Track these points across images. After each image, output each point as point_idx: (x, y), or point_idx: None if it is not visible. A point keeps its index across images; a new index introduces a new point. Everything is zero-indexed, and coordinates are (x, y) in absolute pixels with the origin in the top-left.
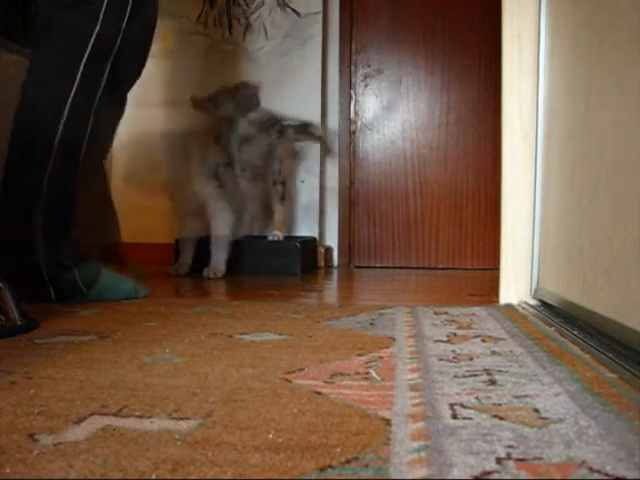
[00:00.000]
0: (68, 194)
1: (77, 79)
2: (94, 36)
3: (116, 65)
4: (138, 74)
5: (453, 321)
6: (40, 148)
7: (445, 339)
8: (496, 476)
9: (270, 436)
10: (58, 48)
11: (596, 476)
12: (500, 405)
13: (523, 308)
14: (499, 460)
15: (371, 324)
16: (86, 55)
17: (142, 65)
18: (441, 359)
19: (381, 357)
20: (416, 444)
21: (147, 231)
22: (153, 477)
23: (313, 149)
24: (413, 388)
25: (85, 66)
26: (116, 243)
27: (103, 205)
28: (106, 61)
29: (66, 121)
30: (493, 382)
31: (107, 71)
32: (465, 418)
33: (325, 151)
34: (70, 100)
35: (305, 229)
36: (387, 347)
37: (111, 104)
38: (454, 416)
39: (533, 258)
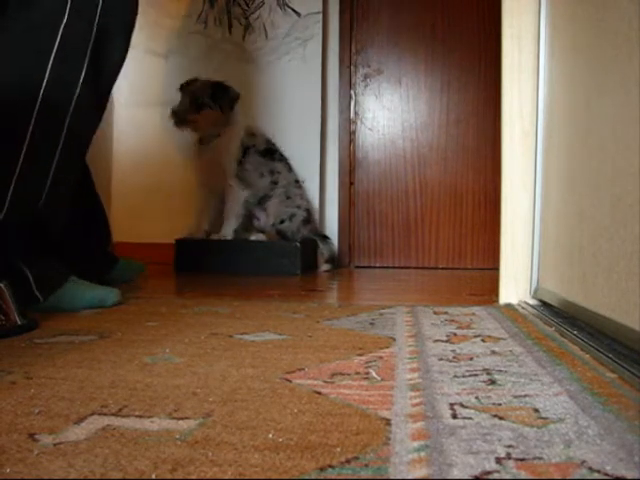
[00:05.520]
0: (35, 193)
1: (48, 70)
2: (61, 29)
3: (97, 58)
4: (119, 67)
5: (453, 321)
6: (9, 140)
7: (445, 339)
8: (496, 476)
9: (270, 436)
10: (25, 36)
11: (596, 476)
12: (500, 405)
13: (523, 308)
14: (499, 460)
15: (371, 324)
16: (55, 46)
17: (123, 57)
18: (441, 359)
19: (381, 357)
20: (416, 444)
21: (147, 231)
22: (153, 477)
23: (313, 149)
24: (413, 388)
25: (56, 57)
26: (104, 243)
27: (88, 206)
28: (84, 53)
29: (39, 109)
30: (493, 382)
31: (86, 64)
32: (465, 418)
33: None
34: (42, 90)
35: None
36: (387, 347)
37: (93, 98)
38: (454, 416)
39: (533, 258)
